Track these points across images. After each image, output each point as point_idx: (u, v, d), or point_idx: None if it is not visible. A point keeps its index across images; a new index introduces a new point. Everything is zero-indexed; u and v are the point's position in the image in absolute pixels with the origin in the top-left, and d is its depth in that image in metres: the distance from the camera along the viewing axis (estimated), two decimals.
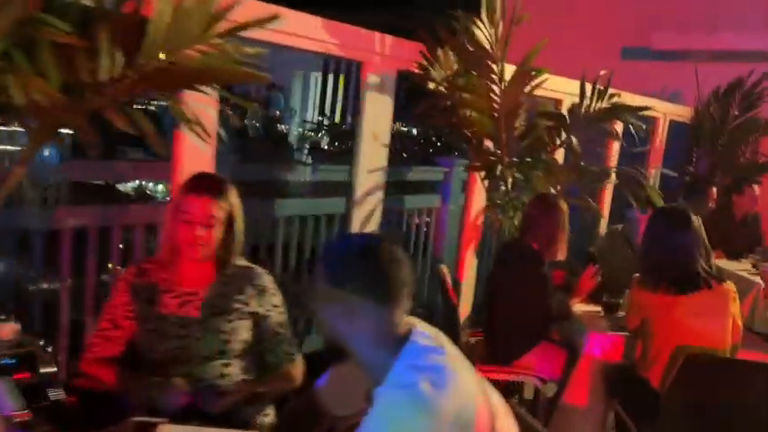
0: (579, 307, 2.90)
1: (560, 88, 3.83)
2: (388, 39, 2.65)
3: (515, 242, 2.75)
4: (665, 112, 5.05)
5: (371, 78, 2.64)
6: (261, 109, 11.79)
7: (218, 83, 1.99)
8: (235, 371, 1.70)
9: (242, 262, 1.78)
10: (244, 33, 1.69)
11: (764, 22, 6.07)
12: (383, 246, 1.21)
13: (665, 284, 2.27)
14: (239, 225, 1.71)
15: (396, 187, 4.27)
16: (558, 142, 3.36)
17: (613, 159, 4.51)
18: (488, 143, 3.23)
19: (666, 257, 2.29)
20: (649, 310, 2.33)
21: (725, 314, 2.24)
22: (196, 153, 1.98)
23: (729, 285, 2.27)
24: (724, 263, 4.32)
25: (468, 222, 3.46)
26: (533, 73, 3.01)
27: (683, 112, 5.33)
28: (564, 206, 2.65)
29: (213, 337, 1.67)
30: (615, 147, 4.51)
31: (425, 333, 1.24)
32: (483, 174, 3.29)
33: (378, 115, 2.73)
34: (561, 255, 2.66)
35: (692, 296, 2.23)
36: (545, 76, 3.07)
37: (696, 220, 2.37)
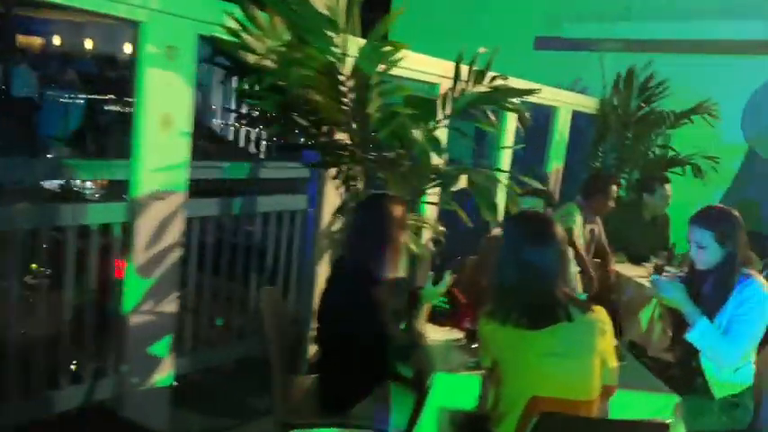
0: (437, 335, 2.37)
1: (437, 71, 3.31)
2: None
3: (343, 257, 2.18)
4: (568, 101, 4.62)
5: (153, 43, 2.00)
6: None
7: None
8: None
9: None
10: None
11: (678, 11, 5.82)
12: None
13: (516, 315, 1.75)
14: None
15: (252, 186, 3.65)
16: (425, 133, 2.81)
17: (504, 156, 4.05)
18: (343, 136, 2.66)
19: (518, 280, 1.77)
20: (499, 348, 1.81)
21: (589, 353, 1.73)
22: None
23: (596, 315, 1.76)
24: (625, 268, 3.94)
25: (320, 231, 2.87)
26: (387, 48, 2.45)
27: (588, 103, 4.94)
28: (397, 210, 2.10)
29: None
30: (508, 141, 4.04)
31: None
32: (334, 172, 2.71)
33: (170, 93, 2.09)
34: (397, 270, 2.12)
35: (547, 331, 1.71)
36: (403, 52, 2.52)
37: (560, 232, 1.85)
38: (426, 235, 3.36)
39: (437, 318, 2.51)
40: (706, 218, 2.36)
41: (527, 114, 3.02)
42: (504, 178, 2.67)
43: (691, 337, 2.24)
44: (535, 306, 1.72)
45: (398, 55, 2.51)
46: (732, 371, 2.30)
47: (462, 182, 2.70)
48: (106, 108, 9.17)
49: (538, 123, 4.80)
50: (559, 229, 1.84)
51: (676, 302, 2.29)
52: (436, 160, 2.64)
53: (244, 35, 2.29)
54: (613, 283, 3.75)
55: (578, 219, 3.68)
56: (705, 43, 5.48)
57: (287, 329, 2.30)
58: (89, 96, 9.17)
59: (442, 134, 3.20)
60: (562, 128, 4.62)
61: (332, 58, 2.42)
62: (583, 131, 5.20)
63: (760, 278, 2.29)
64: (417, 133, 2.37)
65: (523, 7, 6.78)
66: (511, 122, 3.94)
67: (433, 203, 3.23)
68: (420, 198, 2.63)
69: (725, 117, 5.07)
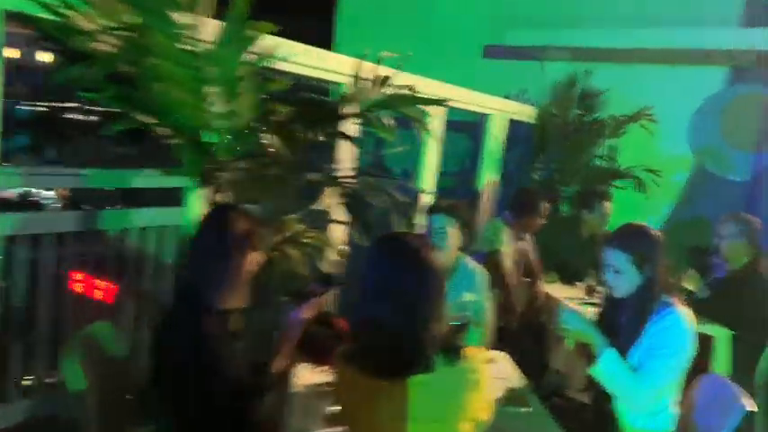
0: (312, 377, 1.97)
1: (344, 70, 2.94)
2: None
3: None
4: (502, 109, 4.30)
5: None
6: None
7: None
8: None
9: None
10: None
11: (625, 20, 5.63)
12: None
13: (372, 360, 1.37)
14: None
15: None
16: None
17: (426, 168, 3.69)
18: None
19: (381, 313, 1.39)
20: (351, 401, 1.42)
21: (454, 416, 1.35)
22: None
23: (468, 364, 1.38)
24: (556, 288, 3.62)
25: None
26: (250, 33, 2.07)
27: (526, 111, 4.64)
28: (242, 225, 1.71)
29: None
30: (432, 154, 3.70)
31: None
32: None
33: None
34: (241, 298, 1.73)
35: (405, 385, 1.33)
36: (304, 47, 2.13)
37: (439, 260, 1.49)
38: (332, 255, 2.99)
39: (313, 355, 2.11)
40: (622, 238, 2.04)
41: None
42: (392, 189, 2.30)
43: (594, 371, 1.91)
44: (395, 349, 1.35)
45: (265, 42, 2.13)
46: (650, 416, 1.96)
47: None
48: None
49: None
50: (438, 257, 1.48)
51: (581, 334, 1.95)
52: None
53: (69, 13, 1.89)
54: (541, 304, 3.42)
55: (505, 238, 3.35)
56: (652, 52, 5.29)
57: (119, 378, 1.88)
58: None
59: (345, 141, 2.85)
60: (496, 137, 4.30)
61: (186, 46, 2.04)
62: (524, 142, 4.91)
63: (682, 308, 1.97)
64: (272, 138, 1.99)
65: (476, 14, 6.56)
66: (435, 132, 3.60)
67: (339, 222, 2.87)
68: (294, 211, 2.25)
69: (669, 128, 4.86)
